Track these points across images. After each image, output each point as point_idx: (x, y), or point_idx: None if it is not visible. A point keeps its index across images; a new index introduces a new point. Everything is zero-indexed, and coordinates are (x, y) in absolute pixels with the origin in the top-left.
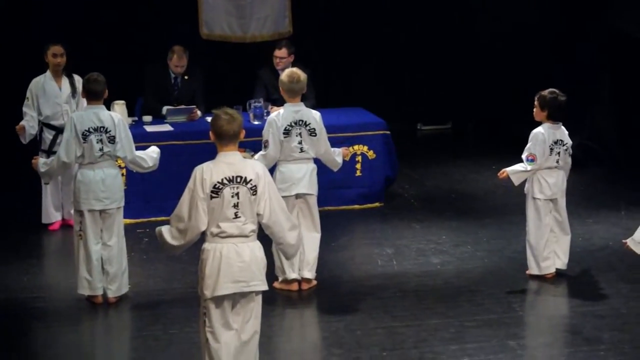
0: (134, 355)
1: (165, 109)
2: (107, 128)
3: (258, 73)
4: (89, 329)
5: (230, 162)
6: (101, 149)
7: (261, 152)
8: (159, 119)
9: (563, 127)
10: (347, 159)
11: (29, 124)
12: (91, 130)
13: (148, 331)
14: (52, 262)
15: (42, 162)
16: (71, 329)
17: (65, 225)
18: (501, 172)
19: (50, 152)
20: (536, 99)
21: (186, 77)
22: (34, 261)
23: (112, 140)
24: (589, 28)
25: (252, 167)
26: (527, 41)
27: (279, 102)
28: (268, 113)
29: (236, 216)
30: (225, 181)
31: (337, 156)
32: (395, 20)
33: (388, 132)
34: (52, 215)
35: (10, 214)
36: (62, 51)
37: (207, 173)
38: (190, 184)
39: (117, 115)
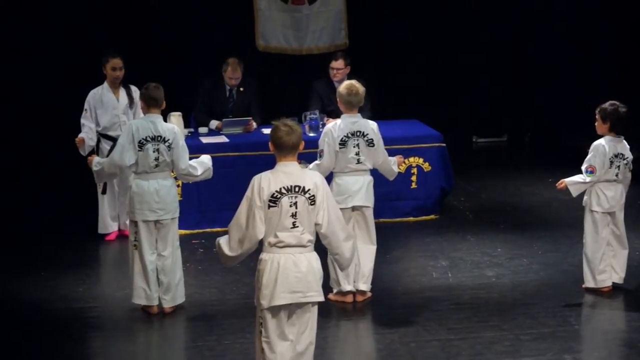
0: None
1: (212, 123)
2: (165, 137)
3: (314, 85)
4: (144, 338)
5: (288, 171)
6: (156, 159)
7: (316, 162)
8: (214, 130)
9: (625, 141)
10: (403, 170)
11: (88, 135)
12: (148, 139)
13: (202, 341)
14: (108, 272)
15: (96, 161)
16: (126, 339)
17: (122, 235)
18: (560, 182)
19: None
20: (597, 112)
21: (241, 89)
22: (90, 271)
23: (170, 149)
24: None
25: (311, 177)
26: (584, 52)
27: (335, 114)
28: (324, 125)
29: (294, 225)
30: (283, 190)
31: (393, 165)
32: (451, 33)
33: (444, 145)
34: (108, 225)
35: (67, 224)
36: (121, 64)
37: (265, 182)
38: (248, 192)
39: (174, 126)
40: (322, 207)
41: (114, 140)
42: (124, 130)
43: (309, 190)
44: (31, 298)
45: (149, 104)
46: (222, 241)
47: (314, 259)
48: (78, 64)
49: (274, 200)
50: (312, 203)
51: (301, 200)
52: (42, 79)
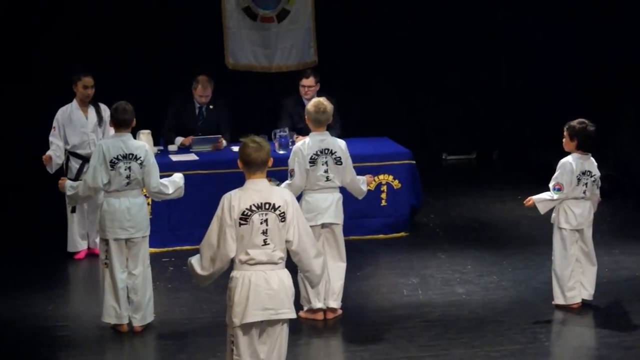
0: None
1: (177, 140)
2: (136, 155)
3: (283, 102)
4: (114, 358)
5: (258, 189)
6: (128, 177)
7: (287, 182)
8: (184, 148)
9: (592, 159)
10: (372, 187)
11: (56, 153)
12: (119, 157)
13: None
14: (78, 291)
15: (69, 185)
16: (96, 358)
17: (91, 254)
18: (527, 199)
19: (76, 181)
20: (565, 129)
21: (211, 107)
22: (60, 290)
23: (142, 166)
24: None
25: (280, 194)
26: (552, 71)
27: (304, 132)
28: (293, 142)
29: (265, 243)
30: (253, 208)
31: (362, 184)
32: (420, 50)
33: (413, 162)
34: (78, 244)
35: (36, 242)
36: (92, 83)
37: (236, 200)
38: (218, 211)
39: (144, 143)
40: (292, 224)
41: (83, 158)
42: (94, 151)
43: (279, 207)
44: None
45: (118, 125)
46: (194, 261)
47: (286, 276)
48: (45, 82)
49: (244, 217)
50: (283, 220)
51: (272, 217)
52: (16, 97)
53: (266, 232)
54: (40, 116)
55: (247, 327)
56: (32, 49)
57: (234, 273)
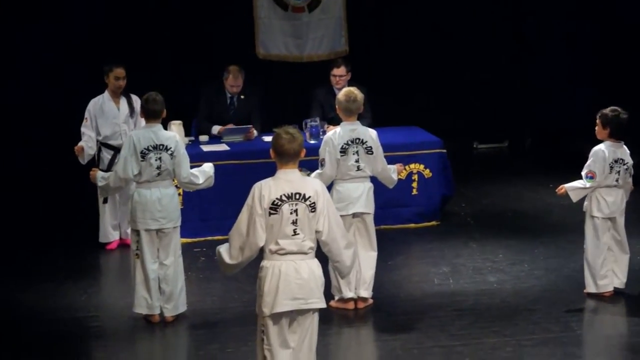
0: None
1: (215, 128)
2: (167, 146)
3: (314, 92)
4: (146, 348)
5: (289, 179)
6: (159, 167)
7: (318, 171)
8: (215, 138)
9: (625, 147)
10: (403, 176)
11: (88, 144)
12: (150, 148)
13: (205, 350)
14: (110, 281)
15: (100, 176)
16: (128, 348)
17: (123, 244)
18: (559, 188)
19: (108, 172)
20: (598, 117)
21: (242, 97)
22: (92, 280)
23: (172, 157)
24: None
25: (311, 184)
26: (584, 59)
27: (335, 121)
28: (324, 132)
29: (295, 233)
30: (284, 198)
31: (392, 173)
32: (450, 38)
33: (444, 151)
34: (109, 234)
35: (68, 233)
36: (124, 74)
37: (266, 189)
38: (248, 200)
39: (175, 134)
40: (322, 215)
41: (114, 149)
42: (124, 142)
43: (309, 197)
44: (32, 308)
45: (148, 116)
46: (223, 249)
47: (316, 265)
48: (77, 73)
49: (274, 207)
50: (313, 210)
51: (302, 207)
52: (46, 87)
53: (296, 222)
54: (72, 106)
55: (277, 317)
56: (63, 44)
57: (264, 263)
